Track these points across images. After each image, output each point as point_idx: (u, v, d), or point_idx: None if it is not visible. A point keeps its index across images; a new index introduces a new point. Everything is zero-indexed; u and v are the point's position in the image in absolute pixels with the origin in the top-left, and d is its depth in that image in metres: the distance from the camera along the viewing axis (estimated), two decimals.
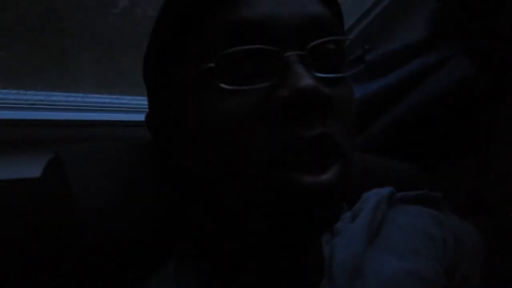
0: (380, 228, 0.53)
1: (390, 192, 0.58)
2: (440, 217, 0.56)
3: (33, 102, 0.78)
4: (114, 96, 0.92)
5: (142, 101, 0.92)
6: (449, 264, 0.51)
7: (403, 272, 0.48)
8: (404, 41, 0.92)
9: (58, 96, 0.83)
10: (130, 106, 0.91)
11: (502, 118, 0.87)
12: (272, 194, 0.38)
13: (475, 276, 0.53)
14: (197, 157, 0.43)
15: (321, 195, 0.37)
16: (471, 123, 0.88)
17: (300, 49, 0.39)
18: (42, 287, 0.50)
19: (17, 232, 0.55)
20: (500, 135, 0.88)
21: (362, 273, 0.47)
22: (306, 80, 0.37)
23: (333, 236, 0.51)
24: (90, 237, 0.47)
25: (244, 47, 0.39)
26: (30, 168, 0.62)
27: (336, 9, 0.46)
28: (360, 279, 0.47)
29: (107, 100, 0.90)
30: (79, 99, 0.85)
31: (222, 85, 0.39)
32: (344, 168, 0.39)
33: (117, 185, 0.50)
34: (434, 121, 0.87)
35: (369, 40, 1.03)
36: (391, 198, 0.58)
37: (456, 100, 0.83)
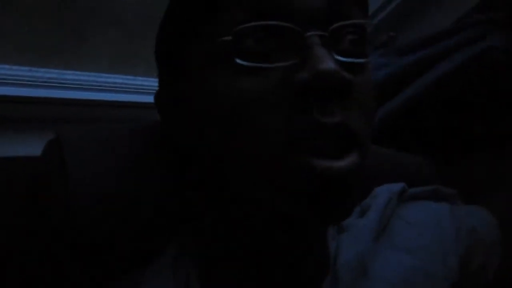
0: (388, 224, 0.53)
1: (401, 189, 0.57)
2: (452, 208, 0.55)
3: (45, 80, 0.77)
4: (127, 77, 0.91)
5: (156, 83, 0.91)
6: (463, 254, 0.50)
7: (411, 269, 0.47)
8: (435, 29, 0.90)
9: (70, 75, 0.82)
10: (143, 87, 0.90)
11: None
12: (286, 177, 0.36)
13: (493, 265, 0.52)
14: (208, 136, 0.41)
15: (336, 182, 0.35)
16: (489, 119, 0.86)
17: (322, 30, 0.37)
18: (36, 269, 0.50)
19: (12, 210, 0.54)
20: None
21: (368, 271, 0.46)
22: (328, 63, 0.35)
23: (340, 232, 0.51)
24: (84, 221, 0.46)
25: (264, 22, 0.37)
26: (41, 146, 0.62)
27: None
28: (365, 278, 0.46)
29: (120, 81, 0.89)
30: (91, 78, 0.84)
31: (238, 61, 0.37)
32: (361, 158, 0.37)
33: (116, 169, 0.49)
34: (450, 106, 0.86)
35: (394, 25, 1.01)
36: (402, 195, 0.57)
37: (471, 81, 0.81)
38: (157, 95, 0.50)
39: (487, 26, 0.83)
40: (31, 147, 0.70)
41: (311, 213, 0.37)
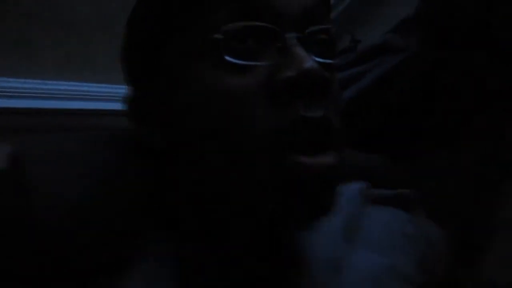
0: (359, 223, 0.55)
1: (363, 187, 0.59)
2: (412, 218, 0.58)
3: None
4: (76, 83, 0.88)
5: (103, 88, 0.88)
6: (421, 261, 0.54)
7: (383, 268, 0.50)
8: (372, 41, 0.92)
9: (12, 82, 0.78)
10: (94, 94, 0.87)
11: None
12: (271, 173, 0.38)
13: (440, 272, 0.56)
14: (193, 132, 0.42)
15: (318, 177, 0.37)
16: (442, 118, 0.88)
17: (299, 33, 0.41)
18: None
19: None
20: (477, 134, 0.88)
21: (342, 268, 0.48)
22: (310, 61, 0.38)
23: (309, 230, 0.51)
24: (50, 237, 0.44)
25: (250, 23, 0.40)
26: None
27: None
28: (340, 274, 0.48)
29: (68, 87, 0.86)
30: (36, 86, 0.81)
31: (228, 58, 0.39)
32: (339, 155, 0.40)
33: (83, 179, 0.47)
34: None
35: (348, 20, 1.03)
36: (366, 193, 0.59)
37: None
38: (128, 99, 0.49)
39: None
40: None
41: (295, 208, 0.39)
